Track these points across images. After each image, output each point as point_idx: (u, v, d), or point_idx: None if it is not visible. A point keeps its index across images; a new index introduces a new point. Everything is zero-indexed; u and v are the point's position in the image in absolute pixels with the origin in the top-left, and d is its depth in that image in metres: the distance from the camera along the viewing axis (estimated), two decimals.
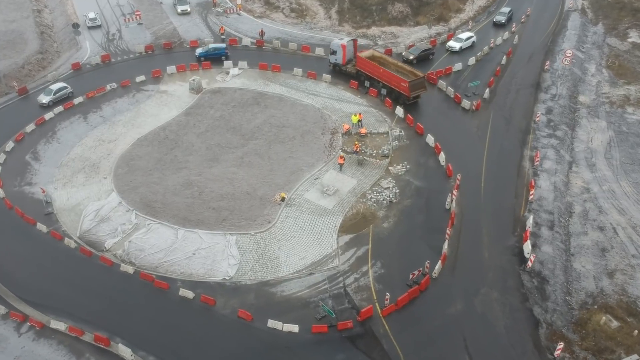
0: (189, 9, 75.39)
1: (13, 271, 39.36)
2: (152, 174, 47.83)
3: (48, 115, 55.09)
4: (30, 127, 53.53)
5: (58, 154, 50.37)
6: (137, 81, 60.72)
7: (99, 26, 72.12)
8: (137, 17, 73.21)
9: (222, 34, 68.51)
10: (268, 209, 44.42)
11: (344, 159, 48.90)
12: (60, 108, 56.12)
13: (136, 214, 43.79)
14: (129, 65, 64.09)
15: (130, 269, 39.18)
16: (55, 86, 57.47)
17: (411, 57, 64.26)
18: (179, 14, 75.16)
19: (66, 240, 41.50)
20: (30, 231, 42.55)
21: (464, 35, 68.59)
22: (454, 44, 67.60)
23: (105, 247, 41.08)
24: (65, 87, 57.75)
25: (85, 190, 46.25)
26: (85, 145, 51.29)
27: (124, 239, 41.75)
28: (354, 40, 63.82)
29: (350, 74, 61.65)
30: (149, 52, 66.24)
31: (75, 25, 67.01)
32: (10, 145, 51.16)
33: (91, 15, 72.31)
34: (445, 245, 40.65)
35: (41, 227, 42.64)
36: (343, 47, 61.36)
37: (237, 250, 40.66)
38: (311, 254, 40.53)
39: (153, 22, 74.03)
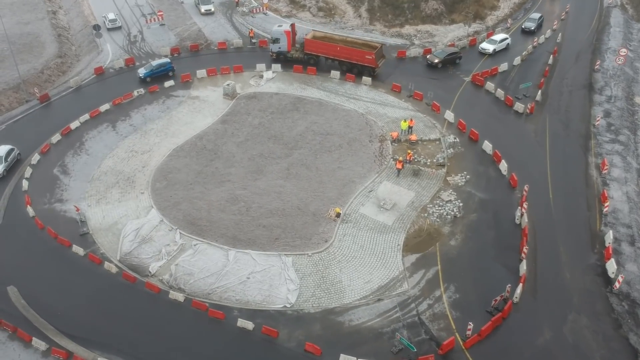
0: (212, 9, 71.62)
1: (51, 301, 35.67)
2: (193, 188, 44.16)
3: (74, 125, 51.30)
4: (55, 138, 49.76)
5: (88, 166, 46.64)
6: (166, 86, 56.96)
7: (119, 27, 68.30)
8: (160, 17, 69.41)
9: (252, 37, 64.73)
10: (323, 226, 40.81)
11: (403, 164, 45.36)
12: (86, 116, 52.32)
13: (180, 233, 40.13)
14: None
15: (180, 297, 35.54)
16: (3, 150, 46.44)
17: (436, 61, 60.07)
18: (203, 14, 71.39)
19: (106, 264, 37.83)
20: (66, 254, 38.89)
21: (498, 37, 64.43)
22: (487, 46, 63.39)
23: (150, 272, 37.43)
24: (12, 150, 47.11)
25: (121, 207, 42.55)
26: (116, 157, 47.56)
27: (170, 262, 38.12)
28: (292, 25, 61.95)
29: (297, 59, 59.95)
30: (175, 54, 62.45)
31: (97, 27, 63.18)
32: (36, 157, 47.41)
33: (111, 16, 68.47)
34: (524, 266, 37.12)
35: (77, 249, 38.98)
36: (287, 33, 59.33)
37: (295, 273, 37.04)
38: (377, 277, 36.94)
39: (176, 22, 70.22)
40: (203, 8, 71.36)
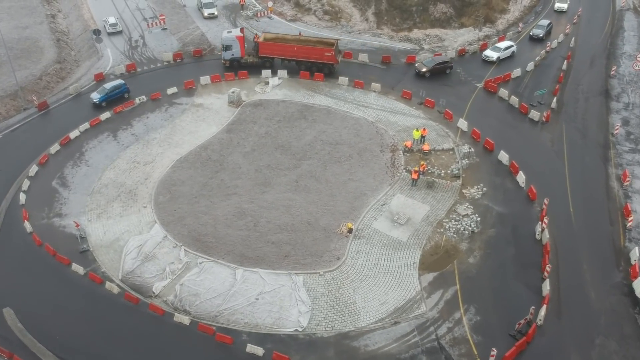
0: (216, 13, 69.75)
1: (49, 324, 33.74)
2: (198, 201, 42.28)
3: (73, 134, 49.40)
4: (54, 148, 47.85)
5: (88, 179, 44.73)
6: (169, 93, 55.09)
7: (120, 32, 66.42)
8: (161, 21, 67.55)
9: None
10: (335, 242, 38.93)
11: (418, 174, 43.54)
12: (86, 125, 50.45)
13: (185, 250, 38.25)
14: (157, 76, 58.44)
15: (186, 320, 33.64)
16: None
17: (424, 70, 57.57)
18: (206, 18, 69.52)
19: (107, 284, 35.93)
20: (65, 273, 36.98)
21: (503, 44, 61.74)
22: (491, 54, 60.79)
23: (153, 292, 35.53)
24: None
25: (123, 222, 40.66)
26: (118, 169, 45.66)
27: (174, 281, 36.23)
28: (242, 29, 60.35)
29: (252, 64, 58.08)
30: (178, 60, 60.61)
31: (97, 32, 61.28)
32: (33, 169, 45.50)
33: (111, 20, 66.59)
34: (547, 285, 35.25)
35: (77, 268, 37.06)
36: (239, 39, 57.44)
37: (306, 293, 35.15)
38: (392, 298, 35.06)
39: (178, 26, 68.36)
40: (206, 12, 69.52)
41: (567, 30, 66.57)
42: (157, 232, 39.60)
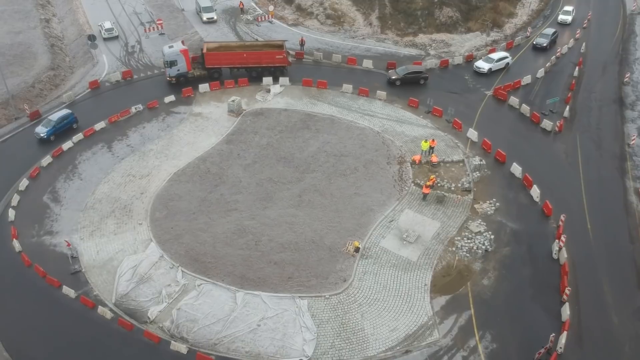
0: (215, 17, 67.62)
1: (38, 353, 31.63)
2: (196, 218, 40.17)
3: (66, 145, 47.27)
4: (46, 160, 45.72)
5: (81, 193, 42.61)
6: (166, 102, 52.97)
7: (116, 37, 64.30)
8: (159, 26, 65.44)
9: None
10: (341, 262, 36.83)
11: (429, 189, 41.52)
12: (80, 135, 48.32)
13: (183, 271, 36.14)
14: (154, 83, 56.26)
15: (183, 348, 31.53)
16: None
17: (393, 77, 55.31)
18: (205, 23, 67.40)
19: (100, 308, 33.80)
20: (55, 296, 34.85)
21: (496, 55, 58.55)
22: (483, 65, 57.48)
23: (149, 318, 33.41)
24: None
25: (117, 240, 38.54)
26: (112, 182, 43.54)
27: (171, 305, 34.10)
28: (183, 41, 57.84)
29: (200, 77, 54.99)
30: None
31: (92, 38, 59.16)
32: (24, 183, 43.38)
33: (107, 25, 64.47)
34: (567, 310, 33.17)
35: (68, 291, 34.93)
36: (185, 52, 53.99)
37: (311, 319, 33.05)
38: (403, 324, 32.96)
39: (176, 31, 66.25)
40: (205, 16, 67.39)
41: (578, 35, 64.53)
42: (153, 252, 37.48)
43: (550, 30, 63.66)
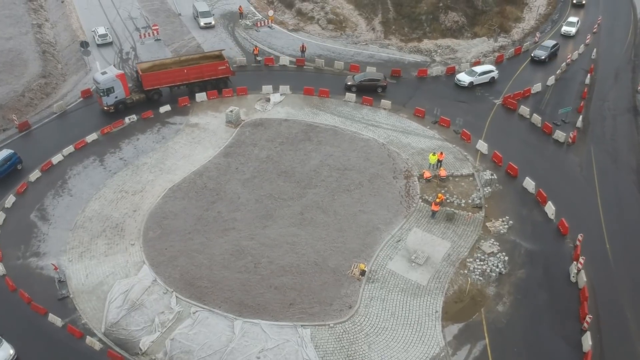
0: (213, 22, 65.42)
1: None
2: (192, 238, 37.91)
3: (56, 158, 45.03)
4: (34, 175, 43.47)
5: (71, 211, 40.35)
6: (161, 112, 50.74)
7: (110, 43, 62.07)
8: (155, 32, 63.21)
9: (256, 55, 58.48)
10: (346, 286, 34.57)
11: (439, 206, 39.35)
12: (70, 148, 46.10)
13: (177, 296, 33.88)
14: None
15: None
16: None
17: (349, 83, 53.01)
18: (202, 28, 65.20)
19: (88, 339, 31.52)
20: (41, 325, 32.58)
21: (480, 68, 55.09)
22: (464, 78, 54.14)
23: (140, 349, 31.14)
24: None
25: (108, 262, 36.28)
26: (104, 199, 41.29)
27: (164, 335, 31.82)
28: (113, 65, 54.75)
29: (139, 102, 50.71)
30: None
31: (84, 44, 56.97)
32: (10, 200, 41.12)
33: (101, 30, 62.23)
34: (588, 339, 30.92)
35: (54, 319, 32.66)
36: (121, 76, 49.71)
37: (314, 351, 30.79)
38: (414, 356, 30.69)
39: (172, 37, 64.04)
40: (202, 21, 65.18)
41: (588, 41, 62.39)
42: (146, 275, 35.21)
43: (550, 43, 59.73)
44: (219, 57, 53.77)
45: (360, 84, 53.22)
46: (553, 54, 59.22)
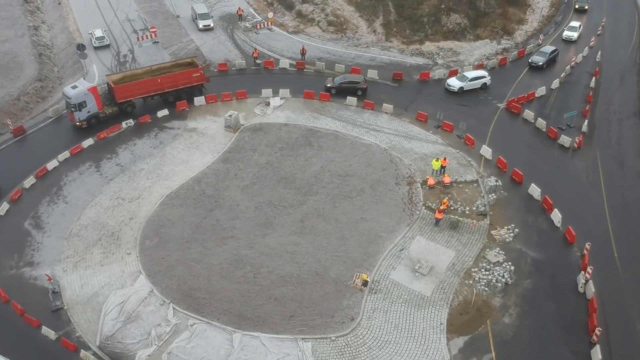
0: (212, 24, 64.49)
1: None
2: (189, 247, 36.98)
3: (51, 164, 44.11)
4: (29, 181, 42.55)
5: (66, 218, 39.42)
6: (159, 116, 49.85)
7: (107, 46, 61.13)
8: (152, 34, 62.28)
9: (255, 58, 57.50)
10: (347, 297, 33.64)
11: (443, 214, 38.43)
12: (66, 154, 45.18)
13: (174, 308, 32.95)
14: None
15: None
16: None
17: (329, 85, 52.32)
18: (201, 30, 64.26)
19: (82, 353, 30.59)
20: (34, 338, 31.64)
21: (472, 73, 53.93)
22: (454, 83, 53.05)
23: None
24: None
25: (103, 272, 35.35)
26: (100, 206, 40.37)
27: (161, 348, 30.87)
28: (84, 78, 52.52)
29: (112, 115, 48.75)
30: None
31: (81, 47, 56.02)
32: (4, 207, 40.19)
33: (98, 33, 61.29)
34: (598, 353, 29.98)
35: (48, 331, 31.72)
36: (94, 90, 47.51)
37: None
38: None
39: (171, 39, 63.12)
40: (201, 23, 64.24)
41: (592, 43, 61.50)
42: (142, 286, 34.27)
43: (549, 48, 58.18)
44: (191, 64, 52.25)
45: (339, 86, 52.42)
46: (552, 60, 57.68)
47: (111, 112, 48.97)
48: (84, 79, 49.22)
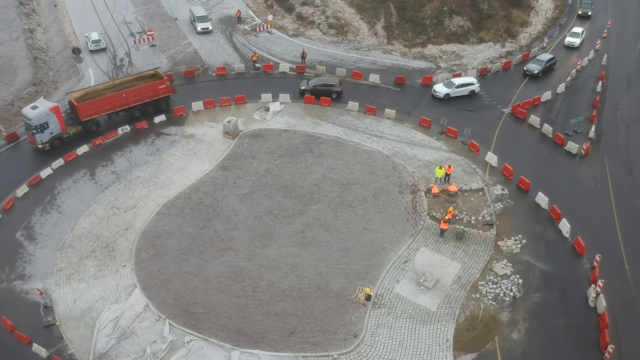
0: (210, 27, 63.30)
1: None
2: (187, 259, 35.79)
3: (45, 172, 42.91)
4: (22, 190, 41.35)
5: (59, 229, 38.22)
6: (156, 122, 48.66)
7: (104, 49, 59.93)
8: (150, 37, 61.09)
9: (255, 61, 56.32)
10: (350, 313, 32.47)
11: (448, 224, 37.27)
12: (60, 161, 43.98)
13: (170, 324, 31.76)
14: None
15: None
16: None
17: (303, 88, 51.42)
18: (199, 33, 63.06)
19: None
20: (24, 356, 30.42)
21: (459, 80, 52.28)
22: (440, 89, 51.51)
23: None
24: None
25: (97, 285, 34.15)
26: (94, 216, 39.17)
27: None
28: (44, 97, 49.83)
29: (76, 135, 46.15)
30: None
31: (77, 51, 54.80)
32: None
33: (94, 36, 60.05)
34: None
35: (39, 349, 30.51)
36: (56, 110, 44.69)
37: None
38: None
39: (168, 43, 61.92)
40: (199, 26, 63.02)
41: (598, 46, 60.38)
42: (138, 300, 33.08)
43: (546, 56, 56.23)
44: (155, 76, 50.07)
45: (314, 88, 51.30)
46: (548, 68, 55.71)
47: (75, 132, 46.35)
48: (44, 98, 46.91)
